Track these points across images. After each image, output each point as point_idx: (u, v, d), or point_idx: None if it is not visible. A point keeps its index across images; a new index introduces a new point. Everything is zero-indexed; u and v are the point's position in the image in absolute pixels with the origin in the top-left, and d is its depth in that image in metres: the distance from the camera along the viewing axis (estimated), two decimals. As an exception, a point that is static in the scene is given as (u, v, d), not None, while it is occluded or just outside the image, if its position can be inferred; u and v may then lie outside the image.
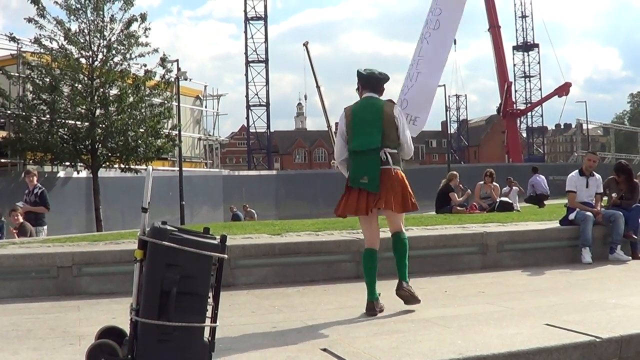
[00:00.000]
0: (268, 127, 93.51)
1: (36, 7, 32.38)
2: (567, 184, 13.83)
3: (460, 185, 23.22)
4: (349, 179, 8.23)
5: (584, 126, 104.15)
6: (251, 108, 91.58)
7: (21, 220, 16.24)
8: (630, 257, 12.90)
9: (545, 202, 27.15)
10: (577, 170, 13.99)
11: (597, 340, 6.22)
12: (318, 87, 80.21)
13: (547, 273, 11.33)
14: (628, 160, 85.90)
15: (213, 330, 5.44)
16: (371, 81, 8.37)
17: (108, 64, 33.45)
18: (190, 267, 5.24)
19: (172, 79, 38.29)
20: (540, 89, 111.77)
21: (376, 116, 8.11)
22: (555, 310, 7.73)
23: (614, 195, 13.78)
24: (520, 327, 6.79)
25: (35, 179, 16.81)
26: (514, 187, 27.41)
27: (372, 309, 7.92)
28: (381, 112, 8.11)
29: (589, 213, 13.00)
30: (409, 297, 7.98)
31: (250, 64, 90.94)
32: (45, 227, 16.73)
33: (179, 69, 43.95)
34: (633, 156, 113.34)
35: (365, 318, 7.68)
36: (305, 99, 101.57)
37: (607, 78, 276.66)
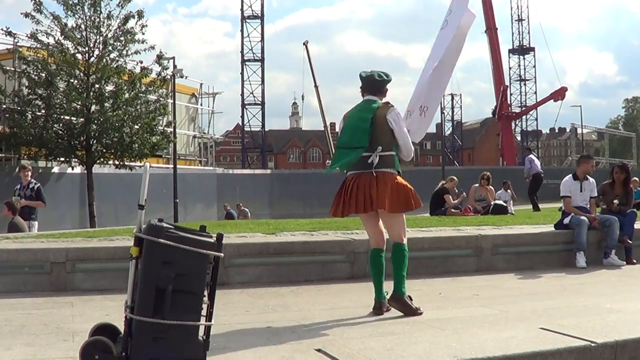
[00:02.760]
0: (263, 126, 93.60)
1: (33, 1, 32.43)
2: (561, 189, 13.84)
3: (455, 189, 23.20)
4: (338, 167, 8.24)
5: (579, 130, 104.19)
6: (246, 107, 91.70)
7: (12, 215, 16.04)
8: (625, 262, 12.93)
9: (540, 206, 27.10)
10: (570, 175, 13.98)
11: (592, 345, 6.22)
12: (316, 86, 79.96)
13: (542, 277, 11.34)
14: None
15: (208, 329, 5.41)
16: (370, 84, 8.35)
17: (104, 60, 33.46)
18: (186, 265, 5.23)
19: (168, 77, 38.28)
20: (535, 93, 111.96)
21: (367, 116, 8.10)
22: (550, 314, 7.73)
23: (615, 202, 13.77)
24: (516, 330, 6.79)
25: (29, 173, 16.75)
26: (508, 191, 27.38)
27: (379, 308, 7.97)
28: (373, 114, 8.07)
29: (583, 217, 13.01)
30: (402, 310, 7.95)
31: (246, 63, 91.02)
32: (37, 222, 16.65)
33: (175, 67, 43.93)
34: (627, 161, 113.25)
35: (359, 319, 7.67)
36: (303, 99, 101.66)
37: (602, 83, 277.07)
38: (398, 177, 8.08)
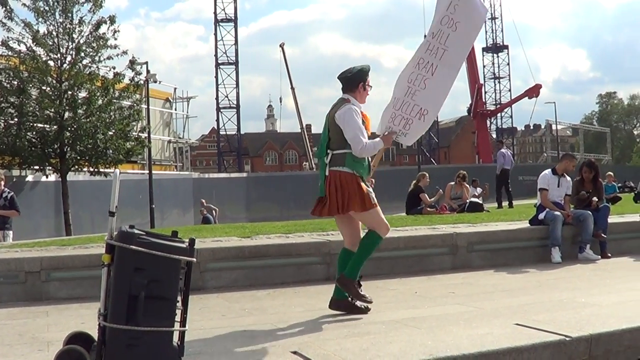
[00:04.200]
0: (238, 129, 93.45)
1: (4, 9, 32.26)
2: (540, 181, 13.91)
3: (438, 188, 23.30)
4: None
5: (553, 127, 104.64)
6: (221, 110, 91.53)
7: None
8: (600, 257, 13.02)
9: (514, 203, 27.13)
10: (550, 169, 14.07)
11: (567, 339, 6.25)
12: (292, 88, 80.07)
13: (517, 273, 11.39)
14: (597, 160, 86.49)
15: (182, 335, 5.41)
16: (342, 82, 8.38)
17: (77, 66, 33.27)
18: (158, 271, 5.22)
19: (142, 82, 38.14)
20: (509, 90, 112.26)
21: (327, 119, 8.23)
22: (525, 310, 7.75)
23: (594, 199, 13.81)
24: (491, 327, 6.81)
25: (3, 182, 16.62)
26: (478, 188, 27.39)
27: (333, 303, 8.09)
28: (330, 114, 8.17)
29: (558, 213, 13.07)
30: (346, 290, 8.01)
31: (220, 66, 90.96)
32: (11, 232, 16.53)
33: (148, 72, 43.84)
34: (602, 156, 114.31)
35: (336, 320, 7.67)
36: (281, 102, 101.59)
37: (575, 79, 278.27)
38: (346, 176, 8.01)
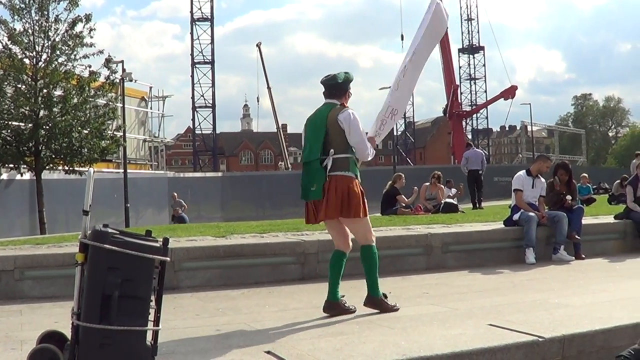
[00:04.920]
0: (214, 128, 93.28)
1: (-22, 7, 32.07)
2: (514, 182, 13.96)
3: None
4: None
5: (529, 128, 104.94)
6: (197, 109, 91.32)
7: None
8: (574, 257, 13.09)
9: (484, 205, 27.09)
10: (524, 170, 14.14)
11: (540, 339, 6.29)
12: (269, 87, 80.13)
13: (491, 273, 11.44)
14: (572, 161, 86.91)
15: (156, 334, 5.40)
16: (325, 88, 8.34)
17: (52, 64, 33.04)
18: (132, 271, 5.21)
19: (117, 80, 37.97)
20: (485, 91, 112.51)
21: (321, 123, 8.09)
22: (499, 311, 7.79)
23: (568, 197, 13.86)
24: (464, 327, 6.83)
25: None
26: (452, 189, 27.37)
27: (327, 308, 7.99)
28: (326, 117, 8.06)
29: (532, 214, 13.12)
30: (378, 310, 8.01)
31: (196, 65, 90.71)
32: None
33: (123, 70, 43.66)
34: (577, 157, 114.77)
35: (310, 320, 7.67)
36: (258, 101, 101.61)
37: (551, 80, 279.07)
38: (353, 182, 8.02)
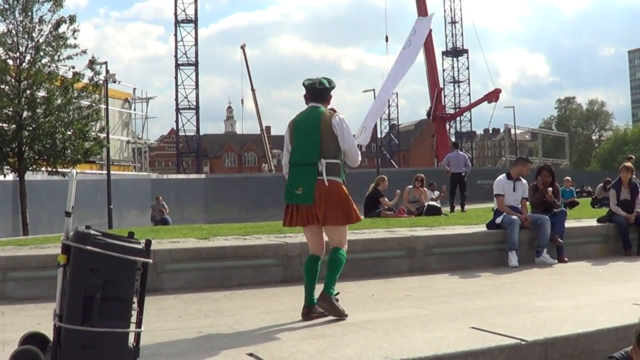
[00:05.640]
0: (197, 130, 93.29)
1: (-38, 7, 31.92)
2: (495, 187, 13.99)
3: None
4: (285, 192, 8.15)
5: (512, 131, 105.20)
6: (180, 111, 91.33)
7: None
8: (556, 261, 13.11)
9: (466, 207, 27.06)
10: (504, 174, 14.17)
11: (523, 343, 6.30)
12: (253, 89, 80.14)
13: (474, 276, 11.44)
14: (555, 164, 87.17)
15: (138, 336, 5.39)
16: (312, 92, 8.31)
17: (36, 65, 32.91)
18: (114, 272, 5.20)
19: (101, 82, 37.84)
20: (469, 94, 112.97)
21: (315, 126, 8.05)
22: (482, 314, 7.79)
23: (549, 189, 13.88)
24: (447, 330, 6.83)
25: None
26: (435, 191, 27.38)
27: (306, 314, 7.92)
28: (319, 121, 8.05)
29: (515, 217, 13.14)
30: (328, 309, 7.88)
31: (180, 67, 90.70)
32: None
33: (107, 72, 43.59)
34: (560, 161, 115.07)
35: (293, 322, 7.68)
36: (242, 103, 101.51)
37: (534, 84, 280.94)
38: (343, 188, 8.06)
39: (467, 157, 28.57)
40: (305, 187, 7.91)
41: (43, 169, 34.73)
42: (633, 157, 28.47)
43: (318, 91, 8.30)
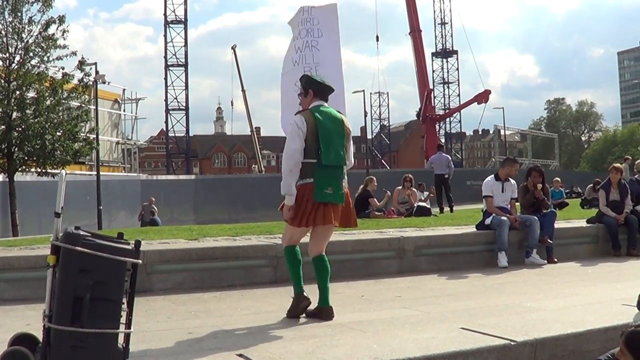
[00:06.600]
0: (187, 131, 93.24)
1: (-49, 7, 31.85)
2: (483, 189, 14.00)
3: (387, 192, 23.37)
4: (314, 194, 7.77)
5: (502, 132, 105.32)
6: (170, 112, 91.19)
7: None
8: (546, 261, 13.12)
9: (456, 207, 27.03)
10: (492, 175, 14.19)
11: (512, 343, 6.31)
12: (243, 90, 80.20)
13: (464, 277, 11.45)
14: (544, 165, 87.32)
15: (127, 337, 5.38)
16: (324, 91, 8.13)
17: (25, 66, 32.87)
18: (104, 273, 5.19)
19: (90, 83, 37.75)
20: (458, 95, 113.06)
21: (341, 130, 7.96)
22: (471, 314, 7.80)
23: (538, 185, 13.92)
24: (436, 331, 6.84)
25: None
26: (424, 192, 27.38)
27: (297, 304, 7.94)
28: (344, 125, 8.01)
29: (504, 218, 13.15)
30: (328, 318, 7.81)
31: (170, 68, 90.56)
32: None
33: (97, 72, 43.55)
34: (550, 162, 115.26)
35: (282, 323, 7.68)
36: (232, 105, 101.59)
37: (524, 84, 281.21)
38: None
39: (449, 158, 28.46)
40: (335, 187, 7.85)
41: (32, 169, 34.70)
42: (630, 158, 28.50)
43: (328, 89, 8.18)
